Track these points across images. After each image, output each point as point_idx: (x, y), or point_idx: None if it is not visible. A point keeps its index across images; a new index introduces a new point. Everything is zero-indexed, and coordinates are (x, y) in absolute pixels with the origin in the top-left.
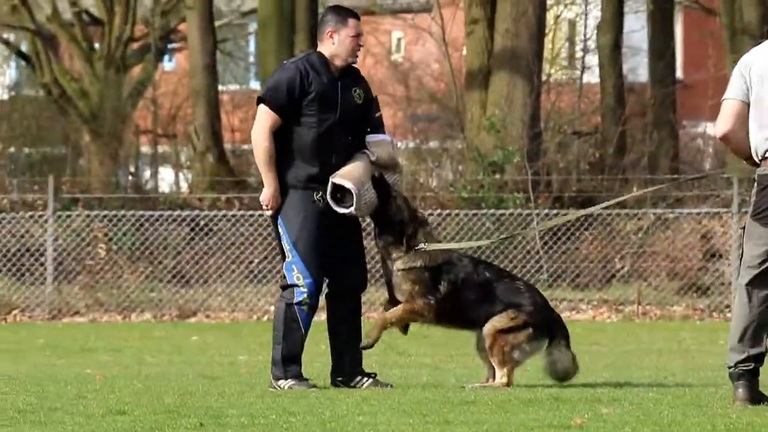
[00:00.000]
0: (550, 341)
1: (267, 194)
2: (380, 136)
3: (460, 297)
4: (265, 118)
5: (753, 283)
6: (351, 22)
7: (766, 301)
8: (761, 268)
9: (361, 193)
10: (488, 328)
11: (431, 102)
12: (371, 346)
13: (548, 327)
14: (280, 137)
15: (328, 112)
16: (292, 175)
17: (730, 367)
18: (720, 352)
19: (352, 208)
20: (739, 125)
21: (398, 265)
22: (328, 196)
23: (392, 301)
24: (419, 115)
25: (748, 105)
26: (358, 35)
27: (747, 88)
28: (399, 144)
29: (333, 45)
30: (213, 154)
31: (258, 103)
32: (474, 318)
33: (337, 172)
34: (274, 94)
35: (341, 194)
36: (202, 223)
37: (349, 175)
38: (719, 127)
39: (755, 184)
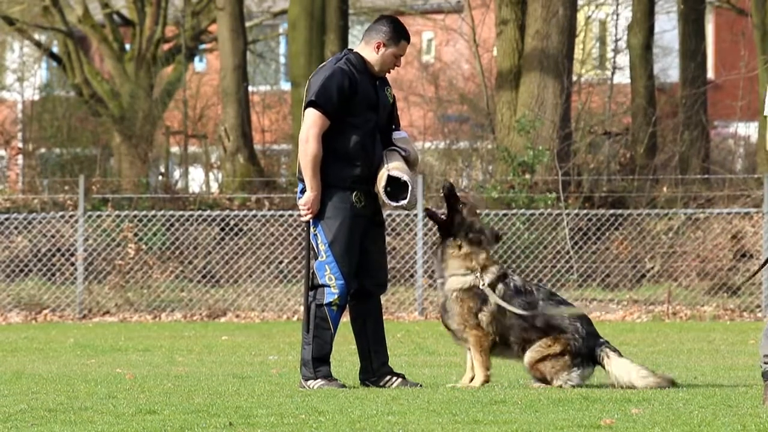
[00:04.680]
0: (602, 365)
1: (310, 198)
2: (403, 134)
3: (503, 322)
4: (316, 122)
5: None
6: (402, 44)
7: None
8: None
9: (414, 187)
10: (526, 359)
11: (461, 103)
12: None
13: (591, 355)
14: (324, 139)
15: (370, 113)
16: (335, 176)
17: (761, 366)
18: (751, 351)
19: (404, 201)
20: None
21: (452, 283)
22: (382, 190)
23: (443, 322)
24: (450, 115)
25: None
26: (400, 57)
27: None
28: (429, 144)
29: (376, 55)
30: (243, 154)
31: (307, 107)
32: (512, 341)
33: (388, 165)
34: (325, 97)
35: (391, 189)
36: (232, 223)
37: (402, 169)
38: (763, 142)
39: None
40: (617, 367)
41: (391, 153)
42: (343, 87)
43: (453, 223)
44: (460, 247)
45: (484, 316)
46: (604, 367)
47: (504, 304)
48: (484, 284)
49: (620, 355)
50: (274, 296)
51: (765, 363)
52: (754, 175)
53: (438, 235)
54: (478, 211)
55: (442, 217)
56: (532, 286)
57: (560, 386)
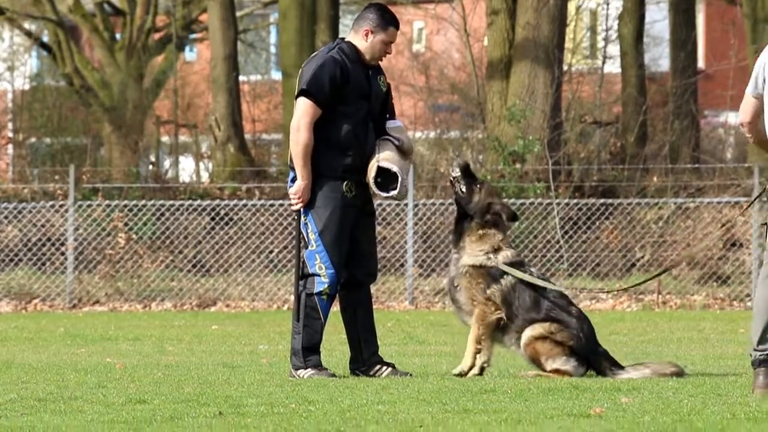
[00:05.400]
0: (602, 373)
1: (301, 187)
2: (397, 123)
3: (512, 304)
4: (308, 111)
5: None
6: (390, 30)
7: None
8: None
9: (404, 178)
10: (525, 336)
11: (452, 92)
12: (465, 374)
13: (588, 358)
14: (315, 128)
15: (362, 102)
16: (326, 166)
17: (751, 355)
18: (740, 341)
19: (394, 192)
20: (755, 117)
21: (465, 260)
22: (372, 181)
23: (451, 297)
24: (440, 105)
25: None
26: (390, 43)
27: (761, 85)
28: (420, 134)
29: (365, 43)
30: (233, 144)
31: (298, 96)
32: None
33: (378, 156)
34: (317, 87)
35: (382, 179)
36: (222, 212)
37: (392, 159)
38: (739, 116)
39: None
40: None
41: (384, 143)
42: (335, 76)
43: (471, 202)
44: (477, 227)
45: (494, 293)
46: (605, 377)
47: (523, 275)
48: (498, 262)
49: (619, 365)
50: (264, 286)
51: (754, 351)
52: (744, 165)
53: (456, 212)
54: (496, 192)
55: (462, 192)
56: (547, 280)
57: (554, 370)
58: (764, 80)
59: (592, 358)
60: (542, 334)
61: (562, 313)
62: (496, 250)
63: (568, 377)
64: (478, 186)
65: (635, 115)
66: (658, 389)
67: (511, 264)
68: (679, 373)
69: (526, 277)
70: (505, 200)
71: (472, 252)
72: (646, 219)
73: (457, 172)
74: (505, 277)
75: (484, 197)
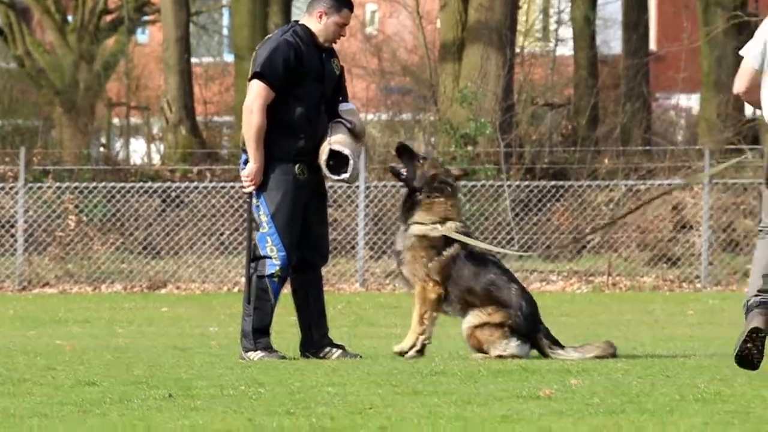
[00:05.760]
0: (541, 351)
1: (253, 170)
2: (350, 105)
3: (451, 275)
4: (261, 93)
5: None
6: (344, 12)
7: None
8: None
9: (356, 161)
10: (465, 325)
11: (404, 75)
12: (406, 353)
13: (529, 336)
14: (268, 111)
15: (316, 85)
16: (278, 149)
17: (748, 300)
18: (689, 322)
19: (346, 175)
20: (753, 86)
21: (411, 230)
22: (323, 164)
23: (399, 271)
24: (392, 87)
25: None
26: (344, 26)
27: (763, 59)
28: (372, 116)
29: (319, 25)
30: (185, 126)
31: (252, 78)
32: (453, 298)
33: (330, 139)
34: (271, 69)
35: (334, 162)
36: (173, 194)
37: (344, 142)
38: (735, 85)
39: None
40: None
41: (336, 125)
42: (288, 59)
43: (416, 178)
44: (425, 198)
45: (433, 265)
46: (546, 356)
47: (469, 240)
48: (443, 232)
49: (559, 344)
50: (215, 268)
51: (753, 297)
52: (695, 147)
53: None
54: (439, 163)
55: (404, 172)
56: (492, 257)
57: (498, 356)
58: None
59: (533, 335)
60: (481, 322)
61: (501, 291)
62: (444, 220)
63: (517, 359)
64: (421, 161)
65: (587, 98)
66: (607, 371)
67: (458, 233)
68: (613, 354)
69: (471, 241)
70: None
71: (420, 223)
72: (597, 201)
73: (394, 154)
74: (447, 249)
75: (428, 169)
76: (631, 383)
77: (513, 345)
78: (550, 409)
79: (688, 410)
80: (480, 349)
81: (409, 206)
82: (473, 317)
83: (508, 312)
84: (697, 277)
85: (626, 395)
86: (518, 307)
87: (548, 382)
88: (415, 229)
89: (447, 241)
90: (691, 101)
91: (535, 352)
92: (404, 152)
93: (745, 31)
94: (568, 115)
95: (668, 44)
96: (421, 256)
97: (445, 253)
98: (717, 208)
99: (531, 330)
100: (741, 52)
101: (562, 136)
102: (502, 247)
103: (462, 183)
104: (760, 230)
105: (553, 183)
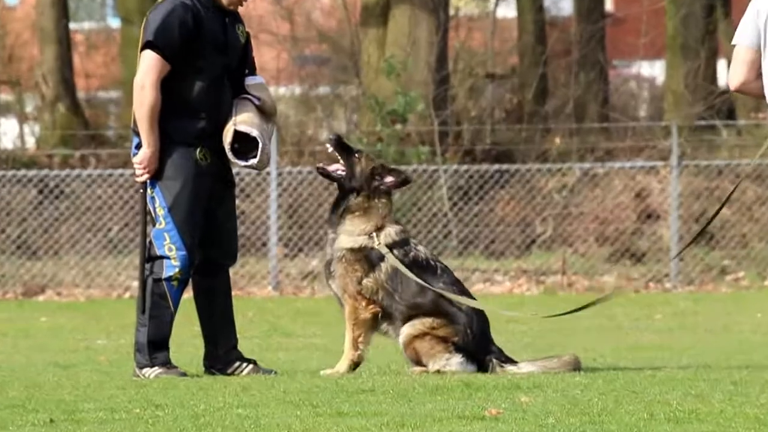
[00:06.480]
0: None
1: (146, 155)
2: (258, 79)
3: (391, 294)
4: (154, 66)
5: None
6: None
7: None
8: None
9: (266, 144)
10: (403, 334)
11: (321, 41)
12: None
13: (477, 357)
14: (163, 86)
15: (218, 56)
16: (176, 130)
17: None
18: (658, 328)
19: (254, 161)
20: (753, 74)
21: (342, 241)
22: (228, 147)
23: (328, 285)
24: (307, 56)
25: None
26: None
27: (760, 34)
28: (284, 90)
29: None
30: (64, 103)
31: (143, 49)
32: (398, 316)
33: (236, 118)
34: (165, 38)
35: (240, 145)
36: (51, 184)
37: (251, 122)
38: (732, 77)
39: None
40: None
41: (242, 102)
42: (186, 25)
43: (354, 176)
44: (363, 200)
45: (369, 283)
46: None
47: (403, 268)
48: (379, 244)
49: (512, 361)
50: (102, 270)
51: None
52: (660, 123)
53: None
54: (374, 158)
55: (340, 173)
56: (438, 264)
57: (437, 371)
58: (765, 28)
59: (483, 357)
60: (422, 331)
61: (451, 306)
62: (380, 228)
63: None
64: (357, 156)
65: (534, 67)
66: (563, 386)
67: (394, 244)
68: (577, 367)
69: (404, 269)
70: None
71: (353, 231)
72: (548, 187)
73: (330, 149)
74: (386, 260)
75: (366, 165)
76: (592, 400)
77: (456, 361)
78: (498, 431)
79: (658, 431)
80: (417, 362)
81: (341, 209)
82: (412, 327)
83: (456, 328)
84: (666, 275)
85: (586, 414)
86: (467, 324)
87: (495, 400)
88: (348, 241)
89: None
90: (654, 69)
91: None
92: (340, 147)
93: None
94: (513, 88)
95: (626, 5)
96: (354, 269)
97: (384, 265)
98: (688, 195)
99: (480, 350)
100: (733, 41)
101: (506, 112)
102: (439, 243)
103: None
104: None
105: (496, 167)
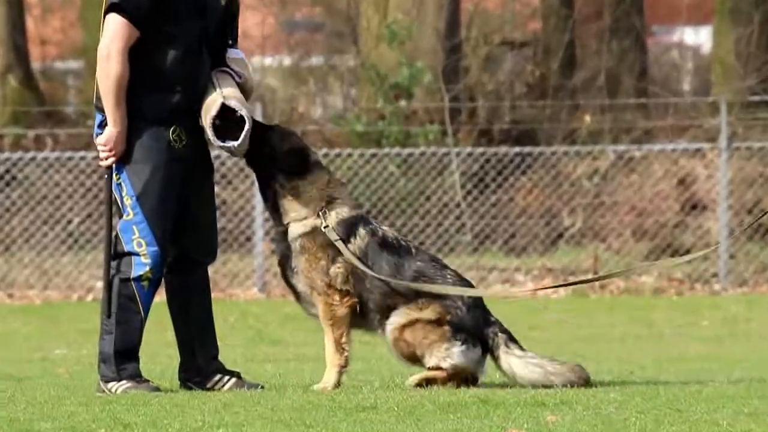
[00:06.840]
0: (492, 352)
1: (112, 135)
2: (239, 53)
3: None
4: (121, 32)
5: None
6: None
7: None
8: None
9: (250, 126)
10: (390, 327)
11: (313, 4)
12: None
13: (478, 334)
14: (131, 56)
15: (195, 20)
16: (146, 106)
17: None
18: (704, 336)
19: (235, 143)
20: None
21: (294, 229)
22: (209, 122)
23: (287, 284)
24: (297, 21)
25: None
26: None
27: None
28: (270, 60)
29: None
30: (16, 74)
31: (108, 12)
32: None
33: (222, 91)
34: None
35: (221, 122)
36: (1, 168)
37: (240, 99)
38: None
39: None
40: (518, 364)
41: (223, 76)
42: None
43: (264, 157)
44: (289, 181)
45: (338, 271)
46: (496, 359)
47: (353, 259)
48: (326, 225)
49: (519, 345)
50: (61, 268)
51: None
52: (707, 99)
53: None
54: (290, 131)
55: (251, 152)
56: (409, 242)
57: (438, 367)
58: None
59: (483, 330)
60: (410, 319)
61: (434, 282)
62: (329, 202)
63: (462, 374)
64: (269, 133)
65: (559, 33)
66: (595, 403)
67: (346, 221)
68: (586, 382)
69: (355, 261)
70: (387, 150)
71: (298, 214)
72: (577, 173)
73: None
74: (353, 239)
75: (280, 140)
76: (629, 419)
77: (456, 351)
78: None
79: None
80: (411, 357)
81: (274, 198)
82: (399, 316)
83: (445, 304)
84: (714, 275)
85: None
86: (458, 296)
87: (516, 419)
88: (298, 227)
89: (350, 229)
90: (699, 36)
91: (491, 365)
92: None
93: None
94: (535, 58)
95: None
96: (317, 258)
97: (351, 246)
98: (739, 182)
99: (478, 323)
100: None
101: (528, 85)
102: (450, 238)
103: (395, 151)
104: None
105: (516, 149)
